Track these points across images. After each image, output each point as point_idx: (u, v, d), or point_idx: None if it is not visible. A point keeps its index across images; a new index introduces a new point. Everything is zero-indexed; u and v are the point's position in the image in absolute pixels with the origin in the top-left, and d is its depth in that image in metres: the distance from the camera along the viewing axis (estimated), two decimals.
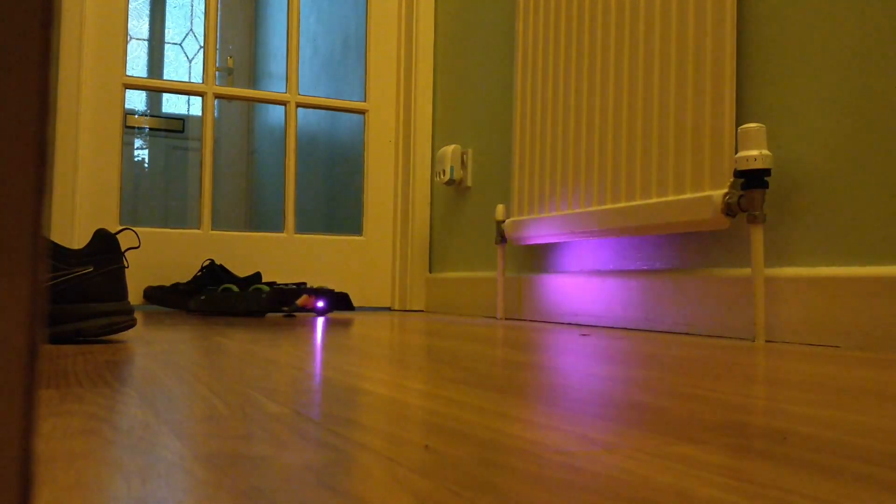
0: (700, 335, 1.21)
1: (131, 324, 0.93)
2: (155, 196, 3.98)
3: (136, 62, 4.02)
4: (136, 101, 3.98)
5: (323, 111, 3.16)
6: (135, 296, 1.93)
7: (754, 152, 1.09)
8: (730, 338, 1.15)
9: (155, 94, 4.01)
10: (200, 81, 2.44)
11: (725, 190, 1.14)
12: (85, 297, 0.89)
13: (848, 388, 0.60)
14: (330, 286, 2.13)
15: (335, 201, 3.09)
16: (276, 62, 3.88)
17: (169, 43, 4.07)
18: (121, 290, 0.93)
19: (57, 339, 0.89)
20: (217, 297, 1.70)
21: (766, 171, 1.09)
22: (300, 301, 1.67)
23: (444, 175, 2.00)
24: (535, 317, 1.65)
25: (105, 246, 0.92)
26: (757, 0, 1.18)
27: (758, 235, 1.10)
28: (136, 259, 1.94)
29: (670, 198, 1.24)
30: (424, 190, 2.17)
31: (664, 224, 1.24)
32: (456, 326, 1.38)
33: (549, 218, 1.54)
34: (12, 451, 0.16)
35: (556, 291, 1.58)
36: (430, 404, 0.48)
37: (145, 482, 0.29)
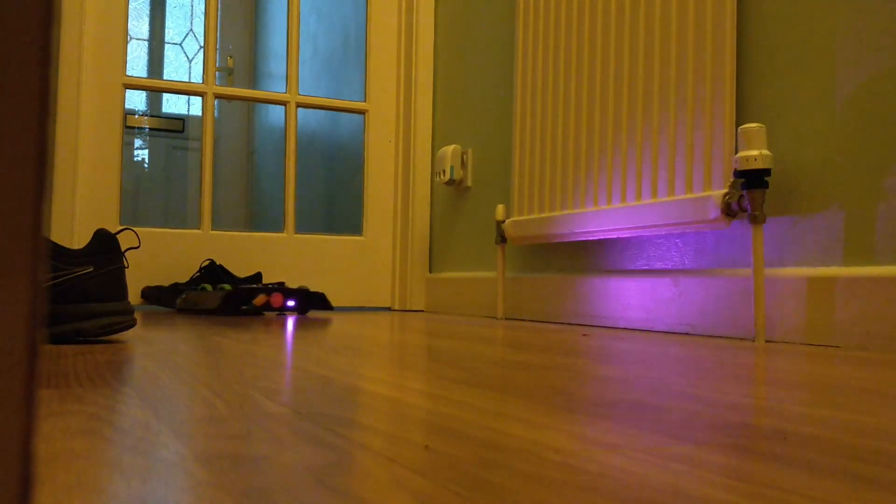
0: (700, 335, 1.21)
1: (131, 324, 0.93)
2: (155, 196, 3.98)
3: (136, 62, 4.02)
4: (136, 101, 3.98)
5: (323, 111, 3.16)
6: (134, 296, 1.93)
7: (754, 152, 1.08)
8: (730, 338, 1.15)
9: (155, 94, 4.01)
10: (200, 81, 2.44)
11: (725, 190, 1.14)
12: (85, 297, 0.89)
13: (848, 388, 0.60)
14: (330, 286, 2.13)
15: (335, 201, 3.09)
16: (276, 62, 3.88)
17: (169, 43, 4.07)
18: (121, 290, 0.93)
19: (57, 339, 0.89)
20: (191, 297, 1.73)
21: (766, 171, 1.09)
22: (257, 301, 1.68)
23: (444, 175, 2.00)
24: (536, 317, 1.65)
25: (105, 246, 0.92)
26: (757, 0, 1.18)
27: (758, 235, 1.10)
28: (135, 259, 1.94)
29: (670, 198, 1.24)
30: (424, 190, 2.17)
31: (664, 224, 1.24)
32: (456, 326, 1.38)
33: (549, 218, 1.54)
34: (12, 451, 0.16)
35: (557, 292, 1.58)
36: (430, 404, 0.48)
37: (145, 482, 0.29)
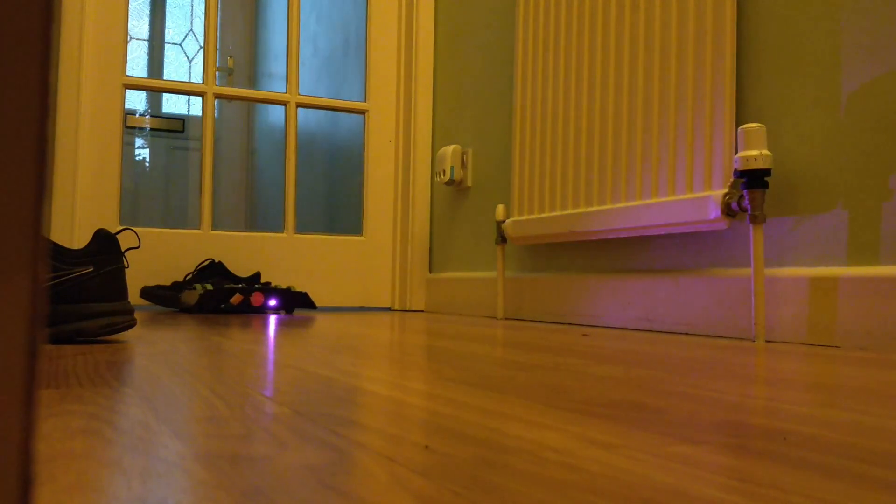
0: (700, 335, 1.21)
1: (131, 324, 0.93)
2: (155, 196, 3.98)
3: (136, 62, 4.02)
4: (136, 101, 3.98)
5: (323, 111, 3.16)
6: (134, 296, 1.93)
7: (754, 152, 1.09)
8: (730, 338, 1.15)
9: (155, 94, 4.01)
10: (200, 81, 2.44)
11: (725, 190, 1.14)
12: (85, 297, 0.89)
13: (848, 388, 0.60)
14: (330, 286, 2.13)
15: (335, 201, 3.09)
16: (276, 62, 3.88)
17: (169, 43, 4.07)
18: (121, 290, 0.93)
19: (57, 339, 0.89)
20: (181, 295, 1.76)
21: (767, 171, 1.09)
22: (233, 300, 1.69)
23: (444, 175, 2.00)
24: (536, 317, 1.65)
25: (105, 246, 0.92)
26: (757, 0, 1.18)
27: (758, 235, 1.10)
28: (135, 259, 1.94)
29: (670, 198, 1.24)
30: (424, 190, 2.17)
31: (664, 224, 1.24)
32: (456, 326, 1.38)
33: (549, 218, 1.54)
34: (12, 451, 0.16)
35: (557, 292, 1.58)
36: (430, 404, 0.48)
37: (145, 482, 0.29)
